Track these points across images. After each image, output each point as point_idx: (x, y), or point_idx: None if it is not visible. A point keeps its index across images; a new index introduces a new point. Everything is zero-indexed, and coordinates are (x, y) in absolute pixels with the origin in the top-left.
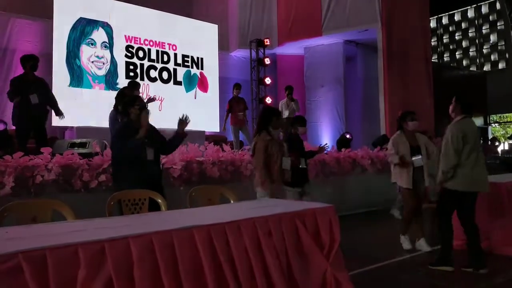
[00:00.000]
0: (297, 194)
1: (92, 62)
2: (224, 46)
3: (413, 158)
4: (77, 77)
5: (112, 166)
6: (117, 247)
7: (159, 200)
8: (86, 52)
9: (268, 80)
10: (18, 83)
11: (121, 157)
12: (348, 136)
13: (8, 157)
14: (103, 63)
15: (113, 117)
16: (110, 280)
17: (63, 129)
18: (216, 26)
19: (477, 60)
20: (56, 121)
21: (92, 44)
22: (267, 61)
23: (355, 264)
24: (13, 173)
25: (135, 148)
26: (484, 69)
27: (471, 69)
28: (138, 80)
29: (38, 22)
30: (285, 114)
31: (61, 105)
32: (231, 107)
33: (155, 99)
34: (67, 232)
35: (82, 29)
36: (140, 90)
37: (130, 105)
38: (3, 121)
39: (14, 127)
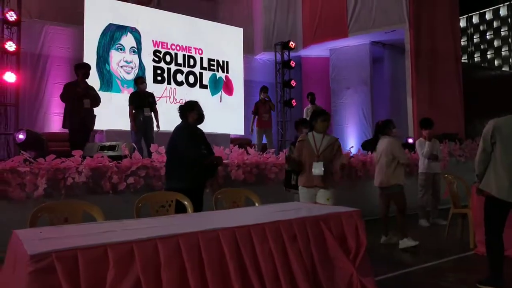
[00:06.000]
0: None
1: (121, 66)
2: (249, 49)
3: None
4: (107, 81)
5: (173, 167)
6: (145, 248)
7: (186, 202)
8: (115, 57)
9: (293, 83)
10: (70, 88)
11: (185, 159)
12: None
13: (41, 160)
14: (132, 68)
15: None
16: (138, 280)
17: (94, 132)
18: (241, 29)
19: (510, 60)
20: None
21: (121, 49)
22: (292, 63)
23: (381, 269)
24: (45, 175)
25: (198, 157)
26: None
27: (503, 69)
28: (165, 84)
29: (70, 29)
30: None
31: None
32: (257, 109)
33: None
34: (97, 233)
35: (112, 34)
36: (167, 94)
37: (188, 110)
38: (22, 129)
39: (49, 132)
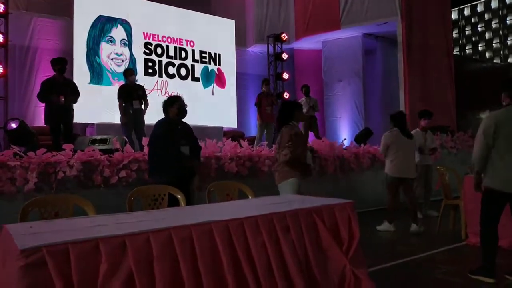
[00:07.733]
0: None
1: (112, 59)
2: (241, 41)
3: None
4: (97, 74)
5: (152, 161)
6: (137, 241)
7: (178, 196)
8: (105, 50)
9: (285, 75)
10: (48, 85)
11: (163, 154)
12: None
13: (31, 154)
14: (122, 60)
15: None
16: (131, 273)
17: (84, 125)
18: (233, 21)
19: (501, 52)
20: (77, 118)
21: (111, 41)
22: (285, 56)
23: (375, 261)
24: (36, 169)
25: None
26: (508, 60)
27: (494, 61)
28: (156, 77)
29: (59, 21)
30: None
31: (82, 102)
32: (260, 101)
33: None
34: (89, 227)
35: (102, 26)
36: (159, 86)
37: (169, 105)
38: (17, 118)
39: (38, 126)
